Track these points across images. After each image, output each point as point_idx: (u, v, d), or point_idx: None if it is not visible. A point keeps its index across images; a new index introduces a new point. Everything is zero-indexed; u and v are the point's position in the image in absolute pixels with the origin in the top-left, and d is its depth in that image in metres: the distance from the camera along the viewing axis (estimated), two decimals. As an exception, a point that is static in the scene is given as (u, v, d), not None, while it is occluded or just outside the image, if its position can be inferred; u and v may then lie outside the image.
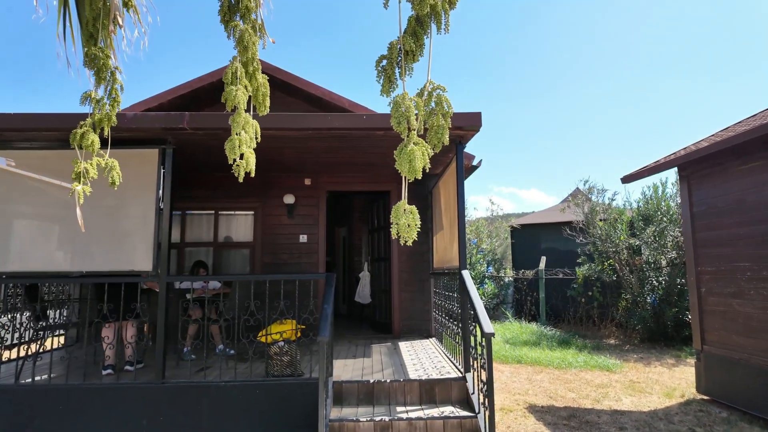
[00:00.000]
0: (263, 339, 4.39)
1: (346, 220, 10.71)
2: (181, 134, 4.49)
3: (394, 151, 1.94)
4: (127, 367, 4.78)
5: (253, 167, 3.03)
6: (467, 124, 4.32)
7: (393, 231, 1.94)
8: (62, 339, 6.43)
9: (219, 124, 4.34)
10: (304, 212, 7.15)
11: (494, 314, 13.01)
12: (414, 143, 1.95)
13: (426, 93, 2.03)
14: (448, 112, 2.06)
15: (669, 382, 6.97)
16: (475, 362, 3.98)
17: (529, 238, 14.50)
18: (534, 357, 8.42)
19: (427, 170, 1.97)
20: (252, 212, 7.18)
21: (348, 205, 10.60)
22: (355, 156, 5.83)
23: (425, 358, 5.37)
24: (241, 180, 2.82)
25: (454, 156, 4.82)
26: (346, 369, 4.88)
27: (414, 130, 1.93)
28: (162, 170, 4.57)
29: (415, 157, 1.90)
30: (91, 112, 3.14)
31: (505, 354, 8.59)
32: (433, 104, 2.04)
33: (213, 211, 7.20)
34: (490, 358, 3.56)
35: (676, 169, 6.87)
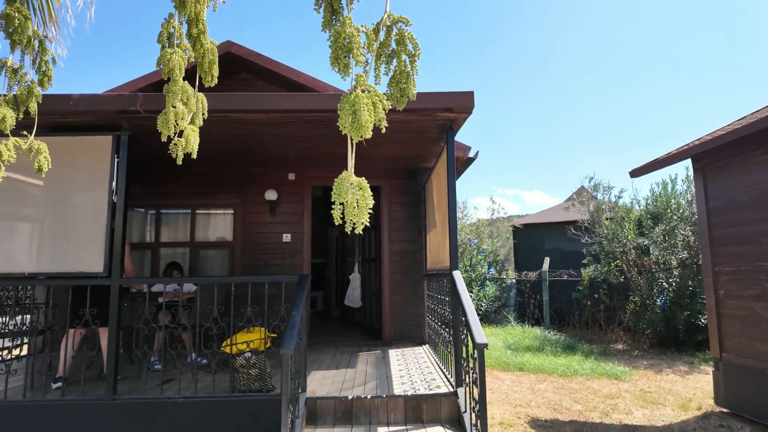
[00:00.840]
0: (228, 349, 3.88)
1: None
2: (136, 119, 3.99)
3: (339, 106, 1.42)
4: (56, 385, 4.21)
5: (196, 148, 2.52)
6: (458, 105, 3.81)
7: (335, 214, 1.44)
8: (25, 348, 5.94)
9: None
10: (287, 209, 6.65)
11: (496, 318, 12.46)
12: (363, 89, 1.45)
13: (383, 28, 1.52)
14: (415, 54, 1.54)
15: (683, 392, 6.41)
16: (467, 376, 3.46)
17: (532, 238, 13.95)
18: (537, 364, 7.88)
19: (383, 129, 1.46)
20: (231, 210, 6.69)
21: (340, 203, 10.10)
22: (339, 147, 5.33)
23: (415, 370, 4.85)
24: (179, 162, 2.32)
25: (445, 145, 4.31)
26: (324, 382, 4.36)
27: (361, 64, 1.43)
28: (116, 160, 4.07)
29: (360, 108, 1.39)
30: (9, 84, 2.66)
31: (507, 361, 8.04)
32: (393, 44, 1.53)
33: (190, 209, 6.71)
34: (482, 373, 3.05)
35: (689, 161, 6.33)
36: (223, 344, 3.94)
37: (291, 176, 6.67)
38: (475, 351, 3.11)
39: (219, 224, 6.77)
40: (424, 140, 4.98)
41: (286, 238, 6.56)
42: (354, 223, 1.39)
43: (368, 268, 7.26)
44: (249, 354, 3.85)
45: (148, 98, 3.84)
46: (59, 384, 4.19)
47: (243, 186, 6.66)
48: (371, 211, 1.41)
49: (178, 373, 4.05)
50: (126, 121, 4.08)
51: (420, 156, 5.88)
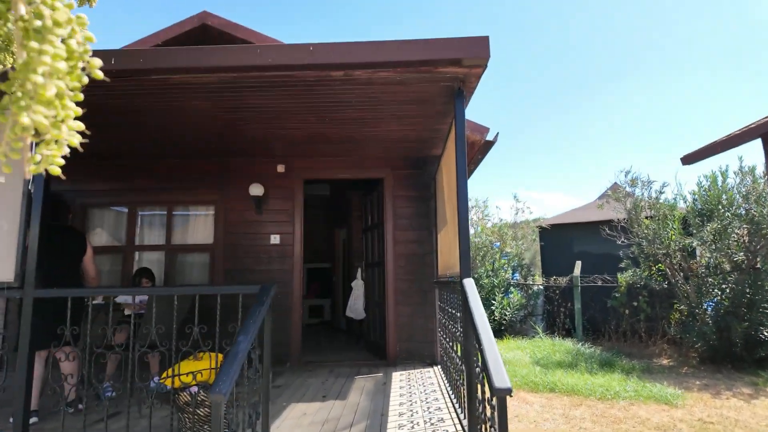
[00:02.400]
0: (168, 382, 2.97)
1: (344, 221, 9.27)
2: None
3: None
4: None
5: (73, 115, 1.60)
6: (468, 55, 2.82)
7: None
8: None
9: (130, 64, 2.93)
10: (275, 206, 5.74)
11: (521, 328, 11.29)
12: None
13: None
14: None
15: (752, 422, 5.22)
16: (484, 426, 2.45)
17: (560, 240, 12.73)
18: (571, 384, 6.73)
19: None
20: (212, 207, 5.83)
21: (347, 203, 9.17)
22: (327, 126, 4.39)
23: (420, 404, 3.84)
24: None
25: (453, 119, 3.31)
26: (301, 423, 3.40)
27: None
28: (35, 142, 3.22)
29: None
30: None
31: (535, 380, 6.92)
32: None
33: (165, 208, 5.87)
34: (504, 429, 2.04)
35: (755, 144, 5.17)
36: (163, 375, 3.03)
37: (280, 168, 5.76)
38: (494, 398, 2.11)
39: (199, 224, 5.91)
40: (428, 114, 3.99)
41: (275, 239, 5.65)
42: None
43: (371, 273, 6.29)
44: (195, 388, 2.92)
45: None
46: (35, 419, 3.44)
47: (222, 179, 5.78)
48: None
49: (127, 405, 3.15)
50: (47, 90, 3.23)
51: (426, 140, 4.89)
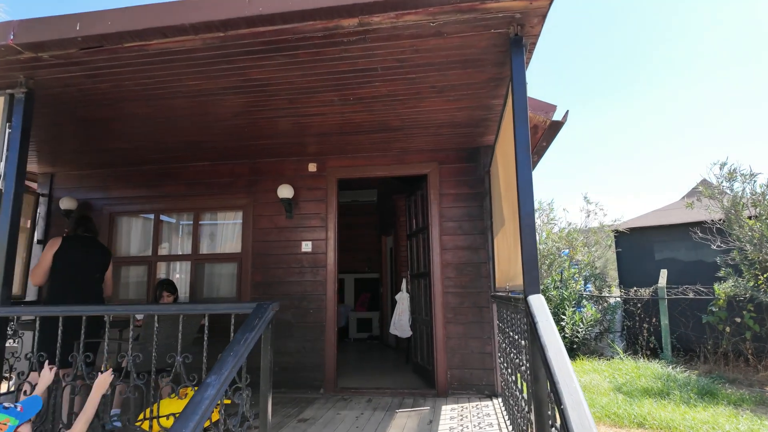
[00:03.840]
0: (145, 425, 2.33)
1: (391, 227, 8.53)
2: (37, 66, 2.66)
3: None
4: None
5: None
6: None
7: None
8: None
9: (97, 28, 2.38)
10: (307, 210, 5.10)
11: (597, 347, 9.90)
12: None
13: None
14: None
15: None
16: None
17: (641, 245, 11.19)
18: (665, 418, 5.49)
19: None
20: (240, 212, 5.29)
21: (392, 207, 8.43)
22: (357, 112, 3.69)
23: (473, 454, 2.96)
24: None
25: (509, 85, 2.47)
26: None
27: None
28: (7, 129, 2.75)
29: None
30: None
31: (618, 411, 5.73)
32: None
33: (192, 214, 5.41)
34: None
35: None
36: (139, 418, 2.40)
37: (311, 167, 5.13)
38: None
39: (227, 232, 5.39)
40: (478, 83, 3.15)
41: (306, 247, 5.00)
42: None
43: (416, 285, 5.47)
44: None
45: (31, 25, 2.46)
46: None
47: (251, 181, 5.24)
48: None
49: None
50: (23, 72, 2.76)
51: (478, 122, 4.04)
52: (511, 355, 3.22)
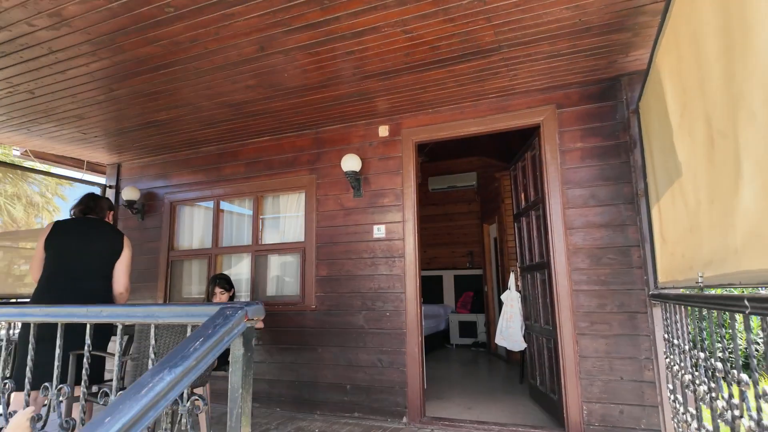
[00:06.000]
0: None
1: (495, 211, 7.08)
2: None
3: None
4: None
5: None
6: None
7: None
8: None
9: None
10: (379, 184, 3.99)
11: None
12: None
13: None
14: None
15: None
16: None
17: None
18: None
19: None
20: (303, 193, 4.36)
21: (495, 188, 6.99)
22: (426, 27, 2.49)
23: None
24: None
25: None
26: None
27: None
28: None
29: None
30: None
31: None
32: None
33: (252, 199, 4.62)
34: None
35: None
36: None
37: (382, 131, 4.02)
38: None
39: (289, 217, 4.51)
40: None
41: (378, 232, 3.90)
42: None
43: (529, 281, 4.06)
44: None
45: None
46: None
47: (316, 157, 4.29)
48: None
49: None
50: None
51: (621, 18, 2.59)
52: (702, 389, 1.77)
